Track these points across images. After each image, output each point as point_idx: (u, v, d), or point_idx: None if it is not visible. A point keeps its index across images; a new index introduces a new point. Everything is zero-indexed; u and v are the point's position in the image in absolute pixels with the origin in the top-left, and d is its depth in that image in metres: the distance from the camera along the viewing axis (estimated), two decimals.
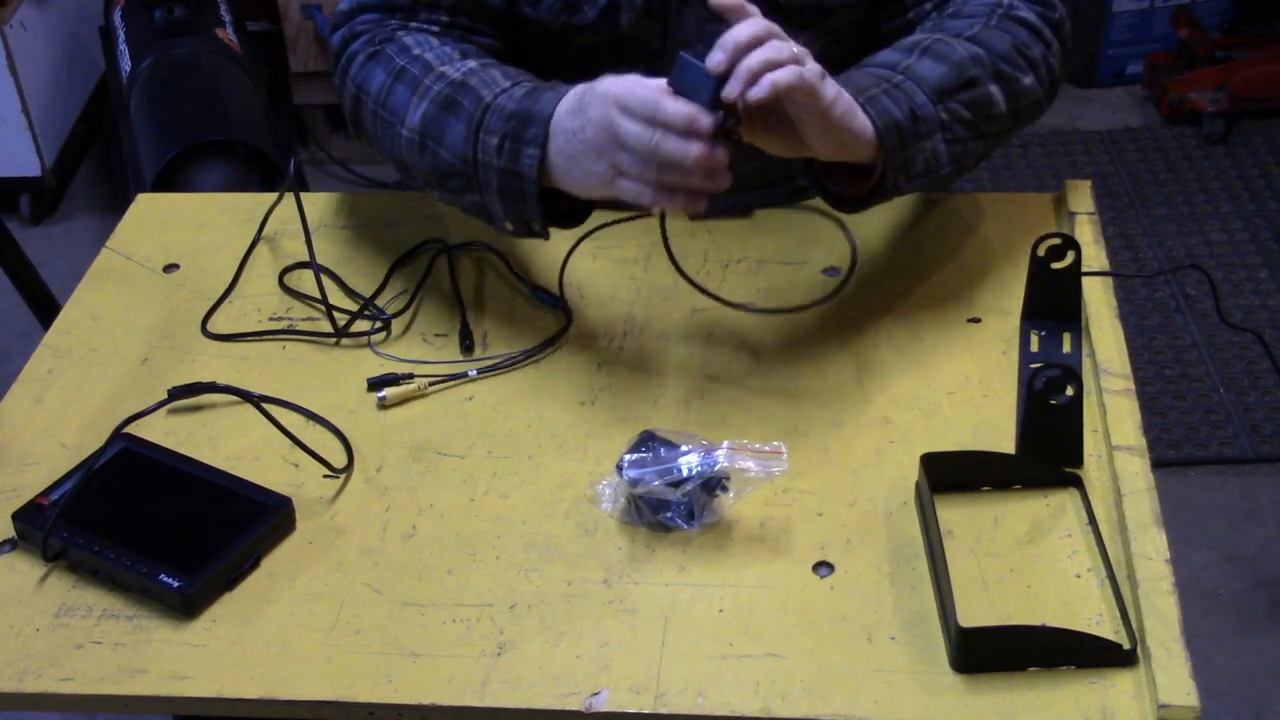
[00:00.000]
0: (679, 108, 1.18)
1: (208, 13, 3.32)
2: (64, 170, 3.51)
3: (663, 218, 1.41)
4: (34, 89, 3.33)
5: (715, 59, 1.19)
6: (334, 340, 1.43)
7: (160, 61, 3.14)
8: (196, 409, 1.35)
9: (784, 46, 1.20)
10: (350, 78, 1.45)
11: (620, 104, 1.21)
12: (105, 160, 3.60)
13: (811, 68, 1.21)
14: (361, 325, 1.45)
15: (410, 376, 1.37)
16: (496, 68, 1.38)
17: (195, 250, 1.57)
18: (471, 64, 1.39)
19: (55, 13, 3.49)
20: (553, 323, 1.43)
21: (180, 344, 1.44)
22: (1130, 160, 3.42)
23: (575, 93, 1.27)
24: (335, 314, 1.43)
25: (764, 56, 1.18)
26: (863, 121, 1.27)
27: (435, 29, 1.47)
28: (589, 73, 1.48)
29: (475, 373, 1.37)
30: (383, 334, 1.44)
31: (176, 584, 1.15)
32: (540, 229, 1.34)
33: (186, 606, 1.15)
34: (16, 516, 1.23)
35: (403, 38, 1.44)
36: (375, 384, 1.36)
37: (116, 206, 1.67)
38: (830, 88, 1.23)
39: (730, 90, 1.18)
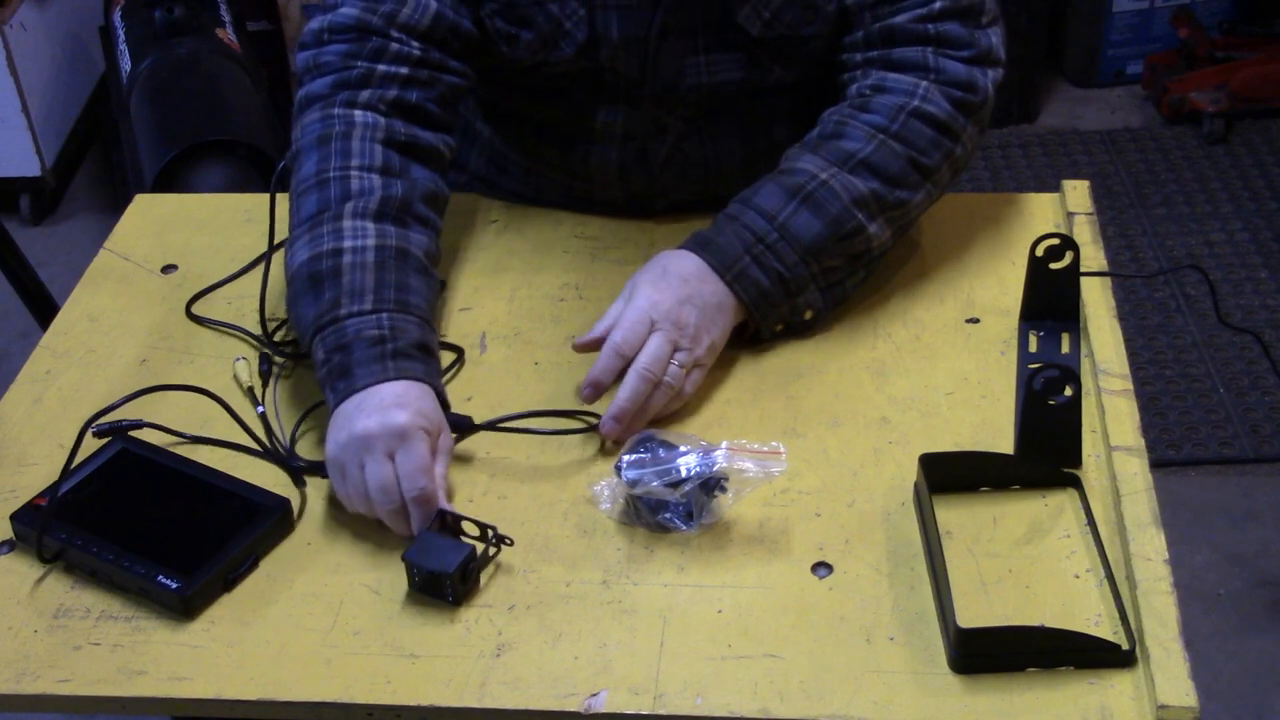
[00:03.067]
0: (428, 515, 1.19)
1: (208, 13, 3.31)
2: (64, 170, 3.51)
3: None
4: (34, 89, 3.33)
5: (608, 428, 1.28)
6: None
7: (160, 61, 3.14)
8: (195, 409, 1.35)
9: (659, 394, 1.29)
10: (297, 132, 1.42)
11: (392, 449, 1.20)
12: (105, 160, 3.59)
13: (686, 389, 1.32)
14: None
15: None
16: (378, 271, 1.30)
17: (193, 251, 1.57)
18: (369, 242, 1.32)
19: (55, 13, 3.49)
20: (550, 323, 1.43)
21: (178, 345, 1.44)
22: (1130, 160, 3.42)
23: (389, 389, 1.23)
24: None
25: (644, 412, 1.29)
26: (732, 322, 1.35)
27: (405, 70, 1.41)
28: (567, 99, 1.49)
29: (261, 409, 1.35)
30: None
31: (175, 585, 1.15)
32: None
33: (185, 607, 1.15)
34: (15, 517, 1.23)
35: (354, 124, 1.39)
36: None
37: (116, 206, 1.66)
38: (704, 374, 1.33)
39: (610, 432, 1.28)
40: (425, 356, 1.29)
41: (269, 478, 1.27)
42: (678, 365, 1.30)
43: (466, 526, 1.19)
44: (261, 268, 1.49)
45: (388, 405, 1.21)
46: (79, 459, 1.24)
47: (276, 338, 1.43)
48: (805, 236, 1.34)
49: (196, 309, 1.48)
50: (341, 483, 1.22)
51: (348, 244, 1.32)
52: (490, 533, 1.18)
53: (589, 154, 1.53)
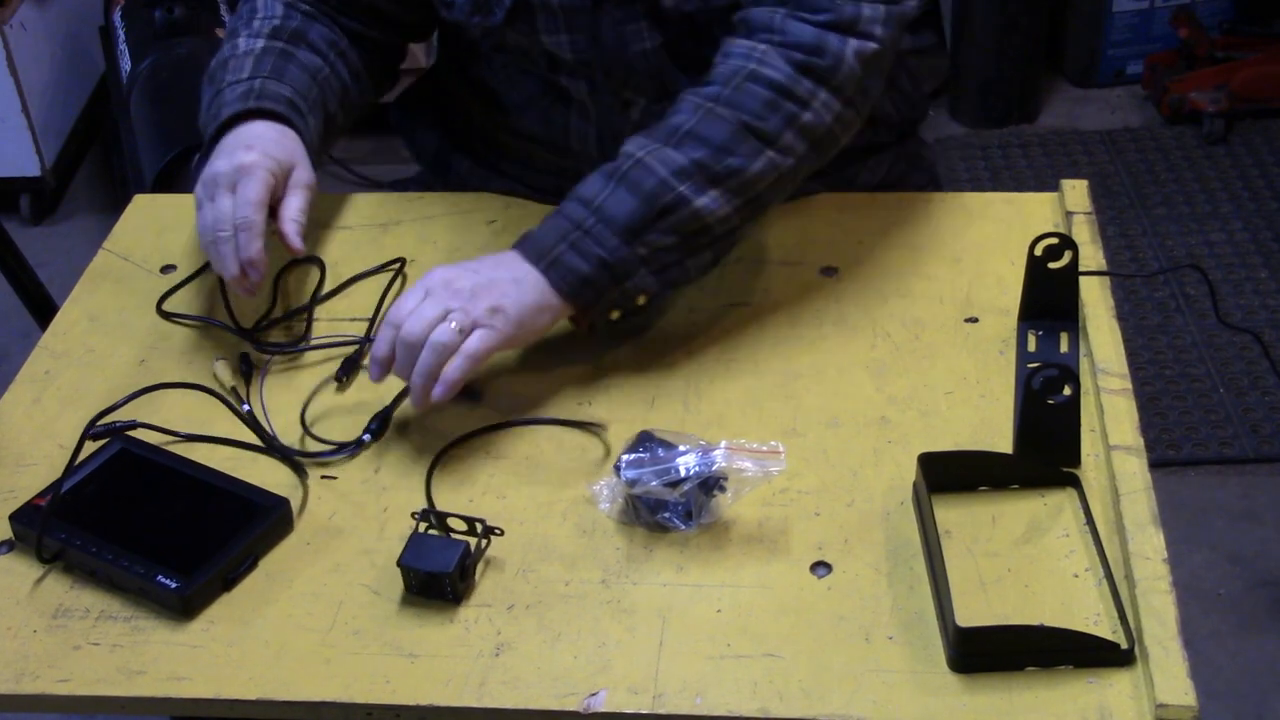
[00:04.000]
0: (251, 248, 1.35)
1: (208, 13, 3.31)
2: (64, 170, 3.50)
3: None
4: (34, 89, 3.32)
5: (374, 374, 1.30)
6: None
7: (160, 61, 3.14)
8: (195, 408, 1.35)
9: (437, 343, 1.26)
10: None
11: (234, 180, 1.38)
12: (105, 160, 3.59)
13: (469, 347, 1.26)
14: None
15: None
16: (261, 56, 1.49)
17: (192, 251, 1.57)
18: (258, 44, 1.50)
19: (55, 13, 3.48)
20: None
21: (177, 345, 1.44)
22: (1130, 160, 3.42)
23: (249, 129, 1.43)
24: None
25: (421, 373, 1.27)
26: (546, 304, 1.31)
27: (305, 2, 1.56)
28: (537, 76, 1.51)
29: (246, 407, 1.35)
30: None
31: (174, 585, 1.15)
32: None
33: (184, 607, 1.15)
34: (14, 518, 1.23)
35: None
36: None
37: (116, 207, 1.67)
38: (496, 336, 1.28)
39: (416, 403, 1.28)
40: (290, 105, 1.45)
41: (269, 477, 1.27)
42: (451, 324, 1.25)
43: (454, 523, 1.19)
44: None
45: (239, 146, 1.39)
46: (78, 459, 1.24)
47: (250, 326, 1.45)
48: (621, 216, 1.30)
49: (170, 305, 1.48)
50: (200, 223, 1.39)
51: (240, 50, 1.51)
52: (479, 526, 1.18)
53: (568, 128, 1.55)
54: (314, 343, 1.43)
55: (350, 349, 1.41)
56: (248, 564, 1.19)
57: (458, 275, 1.29)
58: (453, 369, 1.25)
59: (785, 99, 1.33)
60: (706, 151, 1.32)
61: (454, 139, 1.69)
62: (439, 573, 1.14)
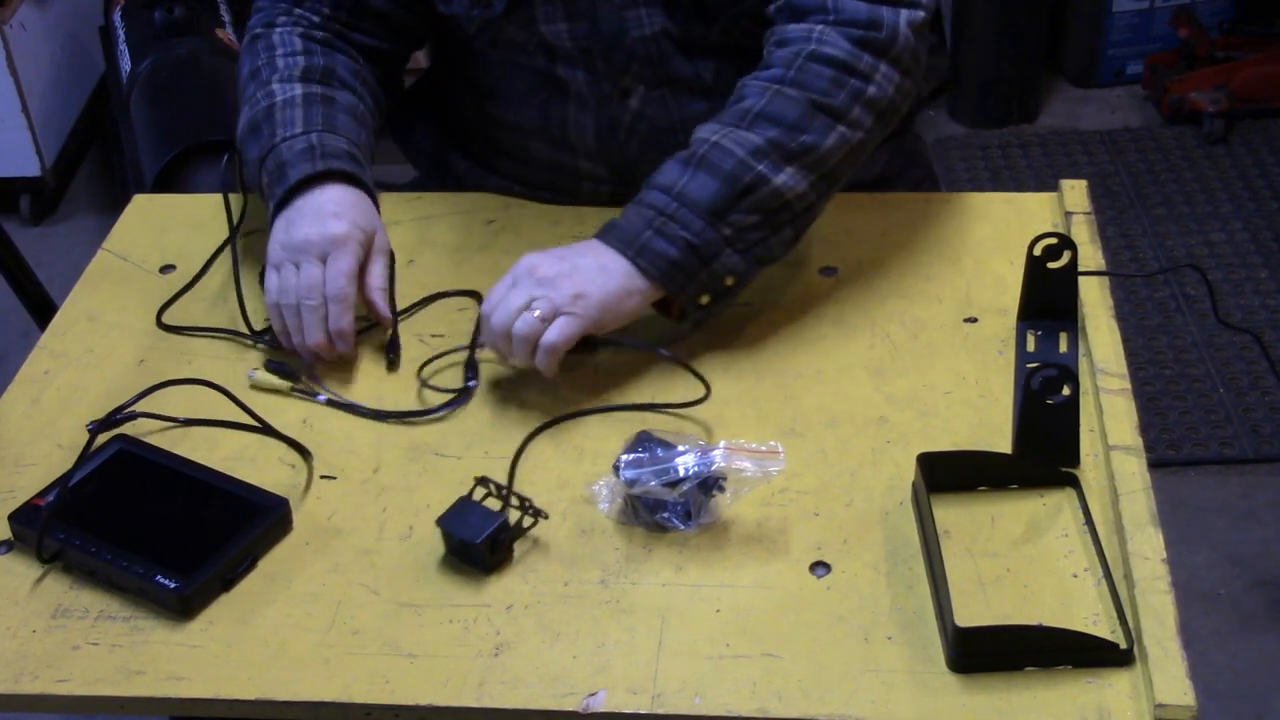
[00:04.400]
0: (342, 322, 1.37)
1: (208, 13, 3.31)
2: (64, 170, 3.50)
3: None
4: (34, 89, 3.32)
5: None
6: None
7: (160, 61, 3.14)
8: (196, 407, 1.35)
9: (531, 322, 1.30)
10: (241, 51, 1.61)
11: (325, 253, 1.38)
12: (105, 160, 3.59)
13: (548, 339, 1.29)
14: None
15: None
16: (307, 105, 1.49)
17: (192, 251, 1.57)
18: (296, 91, 1.50)
19: (55, 13, 3.48)
20: None
21: (176, 345, 1.44)
22: (1130, 160, 3.42)
23: (329, 193, 1.43)
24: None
25: (521, 360, 1.31)
26: (633, 289, 1.32)
27: (317, 18, 1.57)
28: (533, 69, 1.53)
29: (323, 398, 1.37)
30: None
31: (173, 584, 1.15)
32: None
33: (183, 607, 1.15)
34: (13, 518, 1.23)
35: (274, 34, 1.56)
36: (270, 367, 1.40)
37: (116, 207, 1.67)
38: (578, 322, 1.30)
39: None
40: (354, 161, 1.45)
41: (267, 478, 1.27)
42: (534, 313, 1.29)
43: (497, 501, 1.20)
44: (230, 265, 1.49)
45: (326, 214, 1.39)
46: (76, 460, 1.24)
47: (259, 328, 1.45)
48: (703, 198, 1.32)
49: (170, 316, 1.48)
50: (275, 280, 1.39)
51: (279, 98, 1.50)
52: (527, 504, 1.19)
53: (566, 121, 1.55)
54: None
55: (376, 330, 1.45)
56: (246, 564, 1.19)
57: (543, 262, 1.32)
58: (540, 364, 1.30)
59: (849, 75, 1.36)
60: (779, 130, 1.34)
61: (451, 139, 1.70)
62: (468, 541, 1.16)
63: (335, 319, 1.37)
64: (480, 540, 1.16)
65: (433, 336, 1.43)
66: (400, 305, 1.47)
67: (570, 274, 1.31)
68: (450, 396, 1.36)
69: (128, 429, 1.31)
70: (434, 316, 1.46)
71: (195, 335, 1.45)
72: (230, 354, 1.43)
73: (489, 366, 1.38)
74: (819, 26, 1.38)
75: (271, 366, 1.39)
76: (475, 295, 1.48)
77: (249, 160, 1.49)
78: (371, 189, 1.47)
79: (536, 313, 1.29)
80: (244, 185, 1.56)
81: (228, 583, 1.18)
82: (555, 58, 1.52)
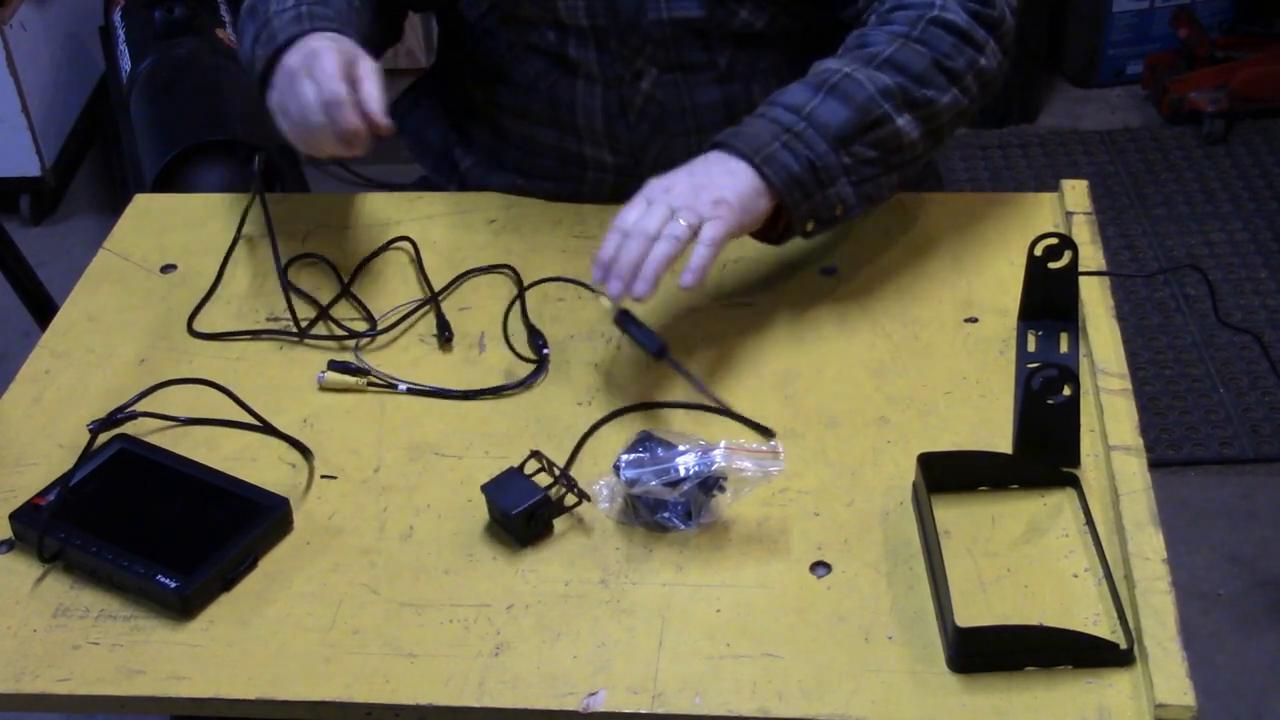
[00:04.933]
0: (347, 119, 1.37)
1: (208, 13, 3.31)
2: (64, 170, 3.50)
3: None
4: (34, 89, 3.32)
5: (598, 275, 1.30)
6: (343, 341, 1.43)
7: (160, 61, 3.14)
8: (198, 406, 1.35)
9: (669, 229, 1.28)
10: None
11: (309, 66, 1.39)
12: (105, 160, 3.59)
13: (706, 235, 1.28)
14: (359, 325, 1.45)
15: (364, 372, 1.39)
16: None
17: (192, 251, 1.57)
18: None
19: (55, 13, 3.48)
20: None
21: (177, 344, 1.44)
22: (1130, 160, 3.42)
23: (311, 35, 1.43)
24: (325, 319, 1.45)
25: (656, 260, 1.27)
26: (761, 191, 1.32)
27: None
28: (543, 50, 1.54)
29: (403, 387, 1.37)
30: (367, 339, 1.44)
31: (173, 584, 1.15)
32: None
33: (183, 606, 1.15)
34: (14, 517, 1.23)
35: None
36: (334, 366, 1.39)
37: (116, 206, 1.67)
38: (726, 224, 1.29)
39: (641, 289, 1.27)
40: (341, 22, 1.46)
41: (267, 478, 1.27)
42: (680, 221, 1.28)
43: (543, 478, 1.21)
44: (248, 262, 1.49)
45: (303, 44, 1.41)
46: (77, 459, 1.25)
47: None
48: (833, 124, 1.33)
49: (199, 324, 1.48)
50: (286, 121, 1.41)
51: None
52: (572, 483, 1.20)
53: (574, 104, 1.56)
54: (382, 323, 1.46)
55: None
56: (247, 564, 1.19)
57: (673, 181, 1.32)
58: (699, 258, 1.27)
59: (967, 44, 1.40)
60: (906, 79, 1.37)
61: (457, 132, 1.70)
62: (505, 512, 1.18)
63: (341, 120, 1.37)
64: (516, 512, 1.18)
65: (433, 336, 1.43)
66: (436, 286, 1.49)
67: (706, 185, 1.31)
68: (523, 375, 1.37)
69: (129, 428, 1.31)
70: (465, 294, 1.46)
71: (234, 339, 1.45)
72: (231, 354, 1.43)
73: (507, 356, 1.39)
74: None
75: (337, 366, 1.38)
76: (509, 268, 1.50)
77: (244, 44, 1.51)
78: (356, 40, 1.47)
79: (683, 223, 1.28)
80: (263, 182, 1.57)
81: (228, 582, 1.18)
82: (567, 36, 1.52)
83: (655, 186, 1.32)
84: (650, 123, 1.55)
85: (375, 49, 1.57)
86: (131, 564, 1.17)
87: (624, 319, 1.34)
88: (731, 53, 1.52)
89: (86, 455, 1.24)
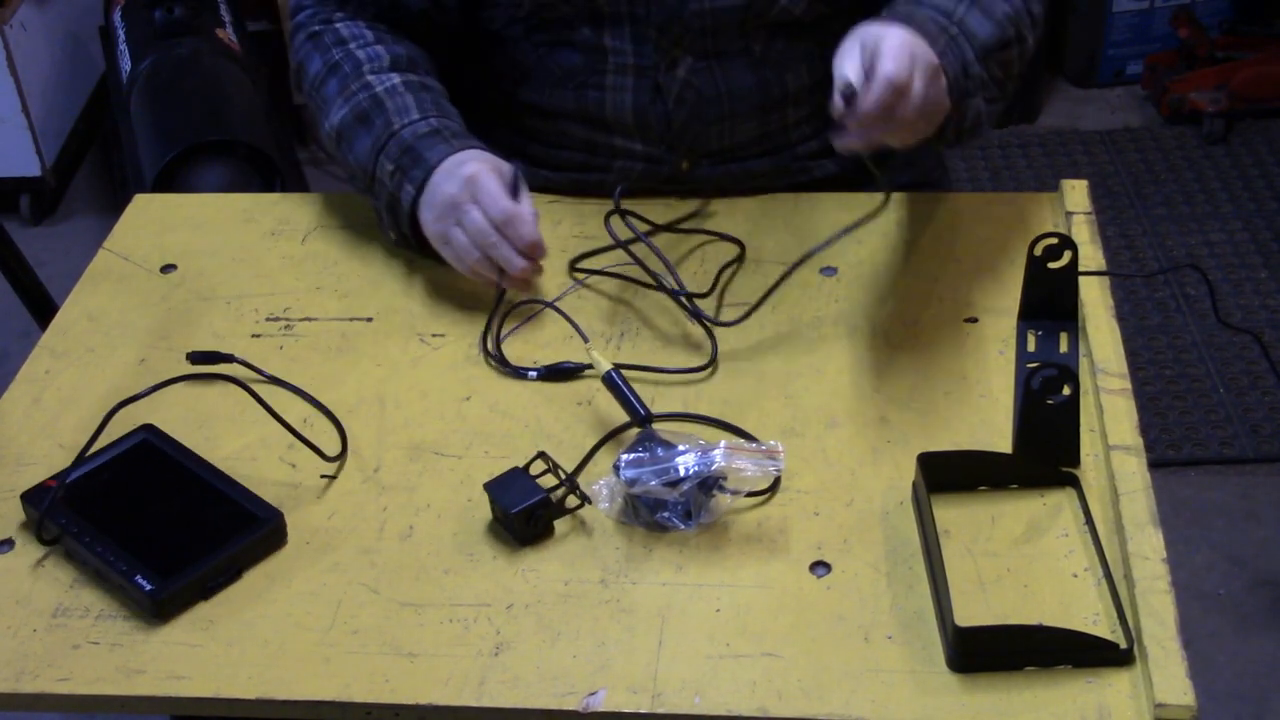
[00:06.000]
0: (524, 234, 1.38)
1: (208, 13, 3.31)
2: (64, 170, 3.50)
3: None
4: (34, 89, 3.32)
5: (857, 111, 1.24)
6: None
7: (160, 61, 3.14)
8: (192, 406, 1.35)
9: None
10: (295, 50, 1.60)
11: (472, 192, 1.40)
12: (105, 160, 3.59)
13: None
14: (361, 324, 1.45)
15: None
16: (413, 93, 1.50)
17: (193, 251, 1.57)
18: (395, 80, 1.51)
19: (55, 13, 3.48)
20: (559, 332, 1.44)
21: (177, 345, 1.44)
22: (1130, 160, 3.42)
23: (456, 156, 1.44)
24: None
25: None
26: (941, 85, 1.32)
27: (365, 16, 1.56)
28: (576, 42, 1.53)
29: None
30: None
31: (148, 587, 1.15)
32: (416, 248, 1.50)
33: (156, 610, 1.15)
34: (25, 497, 1.24)
35: (339, 27, 1.56)
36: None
37: (116, 206, 1.67)
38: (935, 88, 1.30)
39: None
40: (475, 137, 1.47)
41: (268, 476, 1.27)
42: (928, 113, 1.29)
43: (548, 479, 1.21)
44: (247, 261, 1.49)
45: (454, 168, 1.41)
46: (103, 443, 1.26)
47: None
48: (981, 35, 1.36)
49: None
50: (451, 250, 1.42)
51: (379, 87, 1.50)
52: (574, 485, 1.21)
53: (604, 96, 1.55)
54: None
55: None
56: (229, 574, 1.18)
57: (933, 53, 1.29)
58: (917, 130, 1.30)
59: None
60: (1010, 6, 1.41)
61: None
62: (504, 510, 1.19)
63: (522, 237, 1.38)
64: (515, 511, 1.18)
65: (434, 336, 1.43)
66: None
67: (937, 79, 1.30)
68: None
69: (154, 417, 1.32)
70: (436, 314, 1.46)
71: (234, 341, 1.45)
72: (233, 352, 1.43)
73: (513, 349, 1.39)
74: None
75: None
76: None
77: (357, 151, 1.49)
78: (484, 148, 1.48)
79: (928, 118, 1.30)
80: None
81: (207, 591, 1.17)
82: (603, 29, 1.52)
83: (924, 57, 1.27)
84: (688, 108, 1.54)
85: None
86: (117, 560, 1.16)
87: (613, 380, 1.32)
88: (767, 39, 1.52)
89: (107, 441, 1.24)
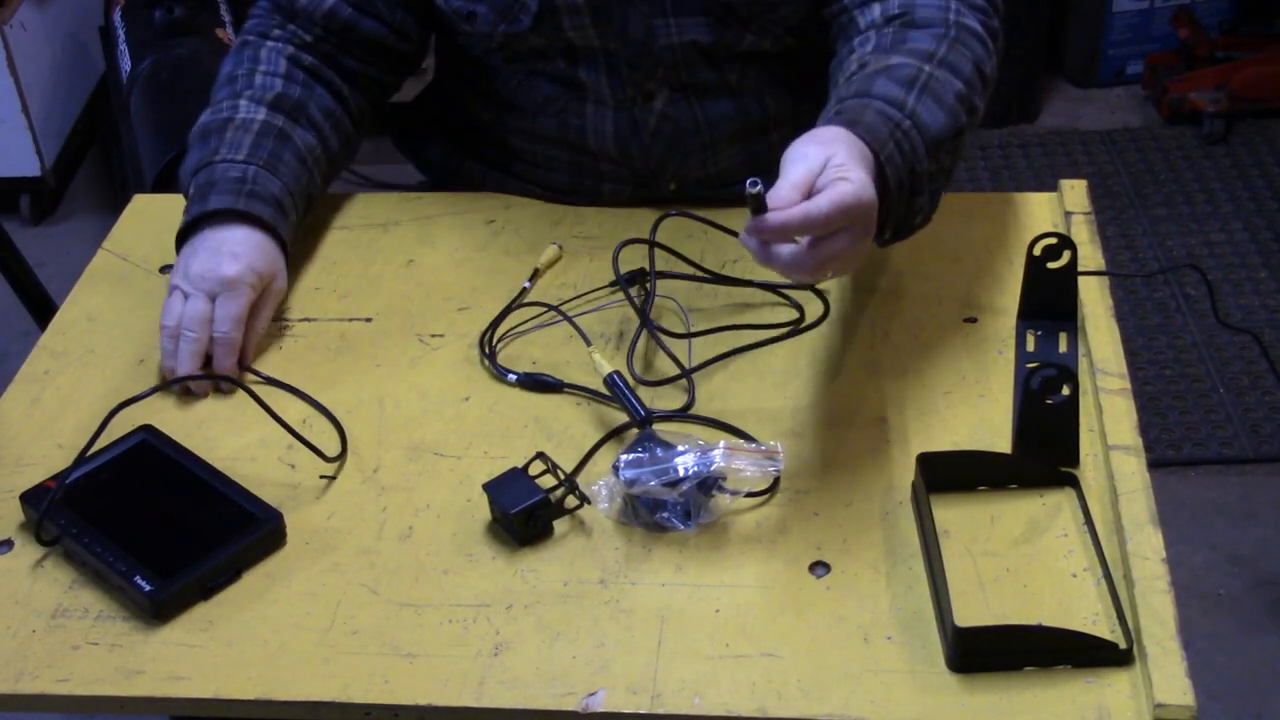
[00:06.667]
0: (222, 363, 1.37)
1: (208, 13, 3.31)
2: (64, 170, 3.50)
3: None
4: (34, 89, 3.32)
5: (764, 225, 1.12)
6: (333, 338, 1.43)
7: (160, 61, 3.14)
8: (191, 407, 1.35)
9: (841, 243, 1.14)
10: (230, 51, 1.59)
11: (214, 296, 1.38)
12: (105, 160, 3.59)
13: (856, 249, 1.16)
14: (352, 327, 1.45)
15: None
16: (258, 135, 1.48)
17: None
18: (258, 115, 1.49)
19: (55, 13, 3.48)
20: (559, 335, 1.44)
21: None
22: (1130, 160, 3.42)
23: (235, 233, 1.41)
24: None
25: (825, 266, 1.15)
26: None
27: (309, 38, 1.54)
28: (552, 74, 1.52)
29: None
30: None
31: (148, 588, 1.14)
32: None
33: (155, 611, 1.15)
34: (24, 497, 1.24)
35: (264, 47, 1.55)
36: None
37: (116, 206, 1.67)
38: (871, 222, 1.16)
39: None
40: (277, 208, 1.44)
41: (268, 477, 1.26)
42: (832, 271, 1.16)
43: (547, 479, 1.21)
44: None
45: (224, 253, 1.39)
46: (103, 443, 1.26)
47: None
48: (933, 128, 1.25)
49: None
50: (168, 303, 1.39)
51: (240, 116, 1.49)
52: (573, 485, 1.20)
53: (584, 128, 1.55)
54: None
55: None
56: (228, 575, 1.18)
57: (873, 208, 1.14)
58: (827, 277, 1.18)
59: (986, 50, 1.36)
60: (962, 83, 1.30)
61: (464, 148, 1.69)
62: (503, 510, 1.19)
63: (219, 360, 1.37)
64: (515, 511, 1.18)
65: (433, 336, 1.43)
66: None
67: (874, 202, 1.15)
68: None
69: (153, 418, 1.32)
70: (435, 314, 1.46)
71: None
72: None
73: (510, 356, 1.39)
74: (953, 4, 1.36)
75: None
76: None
77: (186, 164, 1.49)
78: (286, 240, 1.45)
79: (830, 273, 1.16)
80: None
81: (207, 591, 1.17)
82: (578, 62, 1.51)
83: (865, 205, 1.13)
84: (665, 140, 1.54)
85: (333, 176, 1.60)
86: (115, 560, 1.16)
87: (614, 382, 1.32)
88: (741, 69, 1.51)
89: (92, 439, 1.24)
